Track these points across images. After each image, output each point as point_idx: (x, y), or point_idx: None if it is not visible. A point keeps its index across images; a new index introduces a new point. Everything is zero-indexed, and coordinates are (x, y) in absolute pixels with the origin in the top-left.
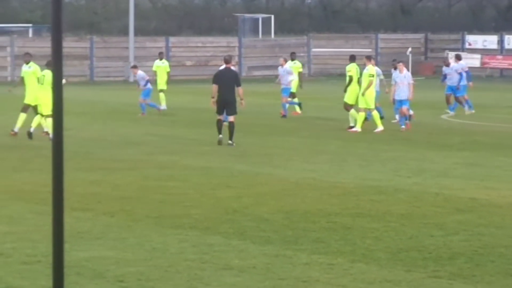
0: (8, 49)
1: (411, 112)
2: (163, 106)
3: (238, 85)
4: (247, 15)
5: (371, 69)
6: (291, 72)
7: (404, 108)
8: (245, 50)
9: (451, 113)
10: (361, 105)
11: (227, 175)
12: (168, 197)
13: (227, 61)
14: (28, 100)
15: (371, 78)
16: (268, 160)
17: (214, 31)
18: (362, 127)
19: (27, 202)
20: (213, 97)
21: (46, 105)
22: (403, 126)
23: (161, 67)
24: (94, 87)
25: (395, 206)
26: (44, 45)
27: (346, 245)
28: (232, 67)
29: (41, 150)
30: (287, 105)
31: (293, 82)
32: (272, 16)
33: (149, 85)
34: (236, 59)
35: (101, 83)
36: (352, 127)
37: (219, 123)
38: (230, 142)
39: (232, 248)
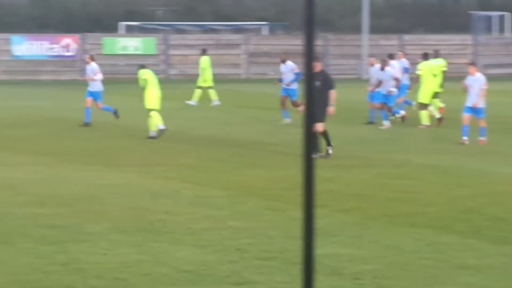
0: (243, 47)
1: (402, 112)
2: (193, 102)
3: (330, 88)
4: (482, 13)
5: None
6: (95, 71)
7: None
8: (480, 48)
9: None
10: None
11: (461, 174)
12: (403, 195)
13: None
14: None
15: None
16: (503, 158)
17: (447, 29)
18: None
19: (262, 199)
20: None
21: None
22: (482, 138)
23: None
24: None
25: None
26: (279, 43)
27: None
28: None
29: (276, 146)
30: None
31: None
32: (508, 14)
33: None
34: (471, 57)
35: (335, 80)
36: (440, 119)
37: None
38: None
39: (468, 247)
